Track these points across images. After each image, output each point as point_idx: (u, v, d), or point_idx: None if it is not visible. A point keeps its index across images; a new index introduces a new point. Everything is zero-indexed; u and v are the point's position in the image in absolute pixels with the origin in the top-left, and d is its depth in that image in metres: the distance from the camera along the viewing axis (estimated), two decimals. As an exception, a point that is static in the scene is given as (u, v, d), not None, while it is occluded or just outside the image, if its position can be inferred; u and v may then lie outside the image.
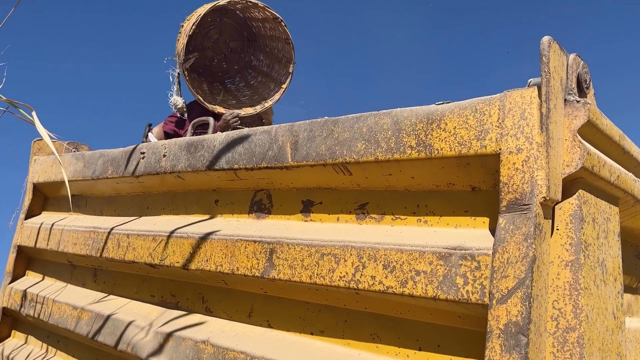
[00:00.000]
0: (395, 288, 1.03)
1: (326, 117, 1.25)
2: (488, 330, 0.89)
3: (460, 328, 0.99)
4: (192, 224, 1.52)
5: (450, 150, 1.02)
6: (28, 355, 2.07)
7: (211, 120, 2.41)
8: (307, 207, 1.32)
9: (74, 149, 2.43)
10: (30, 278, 2.31)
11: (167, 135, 2.79)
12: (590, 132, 1.01)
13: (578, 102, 0.98)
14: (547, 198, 0.90)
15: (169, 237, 1.53)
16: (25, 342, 2.23)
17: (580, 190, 0.97)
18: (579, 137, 0.97)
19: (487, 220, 1.02)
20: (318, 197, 1.30)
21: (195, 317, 1.51)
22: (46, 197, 2.38)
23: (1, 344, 2.28)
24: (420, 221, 1.12)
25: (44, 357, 2.03)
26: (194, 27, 2.59)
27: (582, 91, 1.02)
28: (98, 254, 1.79)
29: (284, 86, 2.96)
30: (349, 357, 1.14)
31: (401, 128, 1.09)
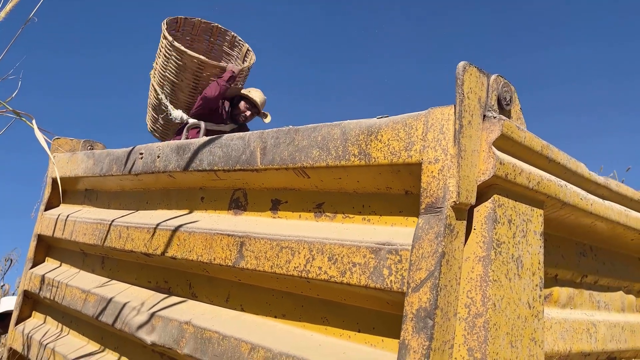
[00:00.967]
0: (337, 277, 1.19)
1: (290, 126, 1.41)
2: (404, 314, 1.04)
3: (389, 313, 1.15)
4: (180, 217, 1.71)
5: (384, 159, 1.17)
6: (45, 334, 2.31)
7: (202, 124, 2.62)
8: (275, 205, 1.49)
9: (89, 147, 2.65)
10: (49, 264, 2.55)
11: None
12: (507, 144, 1.14)
13: (495, 117, 1.12)
14: (458, 202, 1.05)
15: (160, 229, 1.72)
16: (44, 322, 2.47)
17: (495, 195, 1.11)
18: (494, 148, 1.11)
19: (416, 219, 1.16)
20: (284, 196, 1.47)
21: (182, 302, 1.70)
22: (64, 191, 2.61)
23: (23, 323, 2.53)
24: (365, 219, 1.27)
25: (58, 336, 2.26)
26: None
27: (502, 108, 1.16)
28: (103, 244, 2.00)
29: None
30: (304, 338, 1.30)
31: (347, 138, 1.25)
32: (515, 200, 1.16)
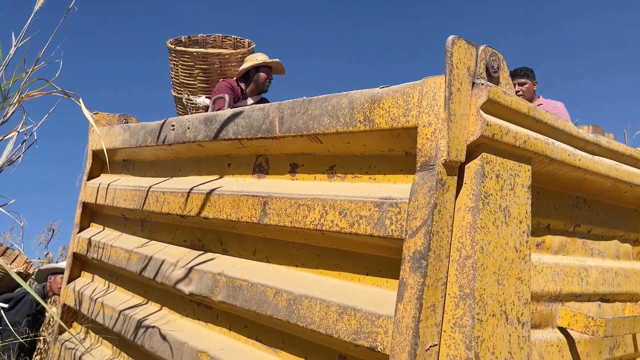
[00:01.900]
0: (347, 229, 1.37)
1: (304, 97, 1.57)
2: (402, 257, 1.22)
3: (391, 257, 1.32)
4: (210, 182, 1.90)
5: (386, 124, 1.33)
6: (94, 290, 2.58)
7: (226, 96, 2.80)
8: (293, 169, 1.67)
9: (124, 120, 2.86)
10: (94, 229, 2.81)
11: None
12: (494, 107, 1.28)
13: (482, 84, 1.26)
14: (448, 160, 1.21)
15: (193, 193, 1.93)
16: (92, 280, 2.74)
17: (483, 153, 1.26)
18: (482, 112, 1.25)
19: (414, 177, 1.33)
20: (301, 160, 1.64)
21: (215, 257, 1.91)
22: (103, 162, 2.84)
23: (73, 282, 2.81)
24: (371, 178, 1.44)
25: (106, 291, 2.52)
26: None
27: (490, 75, 1.30)
28: (142, 208, 2.22)
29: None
30: (320, 282, 1.50)
31: (354, 107, 1.41)
32: (503, 157, 1.31)
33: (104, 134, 2.69)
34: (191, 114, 3.90)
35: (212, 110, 2.68)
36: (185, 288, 1.90)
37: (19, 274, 4.42)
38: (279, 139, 1.64)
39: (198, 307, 1.95)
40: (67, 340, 2.69)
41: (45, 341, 6.41)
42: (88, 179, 2.81)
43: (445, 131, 1.20)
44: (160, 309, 2.15)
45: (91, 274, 2.76)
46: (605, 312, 1.76)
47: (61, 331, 2.79)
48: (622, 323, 1.57)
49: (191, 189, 1.95)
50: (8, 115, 1.56)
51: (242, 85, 3.93)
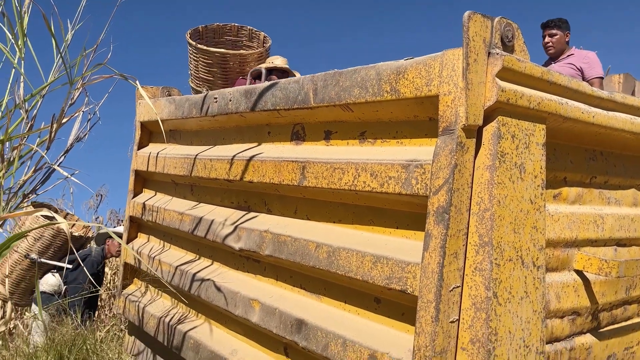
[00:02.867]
0: (377, 188, 1.54)
1: (335, 70, 1.72)
2: (427, 212, 1.39)
3: (418, 212, 1.49)
4: (252, 149, 2.10)
5: (410, 94, 1.47)
6: (151, 249, 2.85)
7: (263, 69, 2.95)
8: (327, 136, 1.84)
9: (166, 93, 3.06)
10: (146, 194, 3.06)
11: None
12: (509, 74, 1.41)
13: (497, 54, 1.39)
14: (467, 124, 1.35)
15: (237, 159, 2.13)
16: (148, 240, 3.02)
17: (499, 117, 1.40)
18: (497, 79, 1.38)
19: (436, 140, 1.48)
20: (334, 128, 1.81)
21: (260, 216, 2.12)
22: (150, 132, 3.07)
23: (131, 242, 3.09)
24: (398, 142, 1.60)
25: (162, 250, 2.79)
26: None
27: (505, 45, 1.42)
28: (191, 174, 2.44)
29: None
30: (356, 236, 1.69)
31: (381, 78, 1.55)
32: (518, 119, 1.45)
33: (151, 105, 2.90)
34: None
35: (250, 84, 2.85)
36: (235, 244, 2.12)
37: (79, 237, 4.82)
38: (314, 109, 1.80)
39: (247, 261, 2.18)
40: (130, 294, 3.00)
41: (108, 296, 6.92)
42: (138, 149, 3.04)
43: (464, 99, 1.34)
44: (212, 264, 2.40)
45: (147, 234, 3.03)
46: (622, 256, 1.90)
47: (124, 286, 3.09)
48: (635, 265, 1.71)
49: (235, 155, 2.14)
50: (75, 98, 1.77)
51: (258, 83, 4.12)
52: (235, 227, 2.14)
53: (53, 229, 4.43)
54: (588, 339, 1.75)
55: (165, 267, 2.63)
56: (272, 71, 4.06)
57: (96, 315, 5.22)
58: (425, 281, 1.36)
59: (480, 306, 1.35)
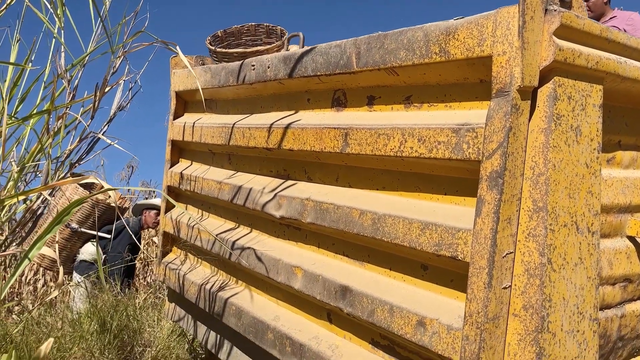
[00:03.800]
0: (425, 154, 1.51)
1: (379, 32, 1.67)
2: (480, 177, 1.35)
3: (468, 178, 1.46)
4: (292, 116, 2.07)
5: (461, 55, 1.42)
6: (189, 218, 2.88)
7: (301, 34, 2.88)
8: (370, 101, 1.80)
9: (200, 62, 3.04)
10: (183, 164, 3.08)
11: None
12: (567, 32, 1.34)
13: (555, 10, 1.32)
14: (522, 86, 1.30)
15: (277, 127, 2.11)
16: (186, 209, 3.05)
17: (556, 77, 1.34)
18: (555, 37, 1.32)
19: (489, 103, 1.43)
20: (378, 93, 1.77)
21: (301, 184, 2.11)
22: (185, 102, 3.07)
23: (169, 212, 3.13)
24: (447, 106, 1.56)
25: (200, 219, 2.82)
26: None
27: (563, 0, 1.35)
28: (229, 143, 2.44)
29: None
30: (401, 203, 1.66)
31: (429, 39, 1.50)
32: (575, 80, 1.39)
33: (186, 75, 2.89)
34: None
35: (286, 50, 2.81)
36: (276, 212, 2.12)
37: (121, 209, 4.92)
38: (357, 73, 1.76)
39: (288, 229, 2.18)
40: (170, 262, 3.05)
41: (143, 266, 7.09)
42: (174, 119, 3.05)
43: (519, 59, 1.29)
44: (252, 232, 2.42)
45: (184, 204, 3.07)
46: (676, 222, 1.84)
47: (164, 254, 3.15)
48: (691, 231, 1.65)
49: (274, 123, 2.12)
50: (116, 67, 1.77)
51: None
52: (276, 195, 2.14)
53: (92, 199, 4.53)
54: (639, 306, 1.71)
55: (204, 235, 2.66)
56: None
57: (130, 283, 5.36)
58: (478, 247, 1.33)
59: (533, 272, 1.33)
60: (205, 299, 2.58)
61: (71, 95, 1.79)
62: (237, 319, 2.31)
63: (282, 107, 2.22)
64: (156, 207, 4.96)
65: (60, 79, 1.86)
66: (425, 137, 1.51)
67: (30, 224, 1.72)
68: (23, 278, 6.64)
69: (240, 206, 2.39)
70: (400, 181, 1.69)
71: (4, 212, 1.64)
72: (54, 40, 1.94)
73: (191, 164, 3.00)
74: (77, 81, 1.88)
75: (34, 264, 6.15)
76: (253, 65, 2.25)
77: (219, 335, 2.66)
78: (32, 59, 1.84)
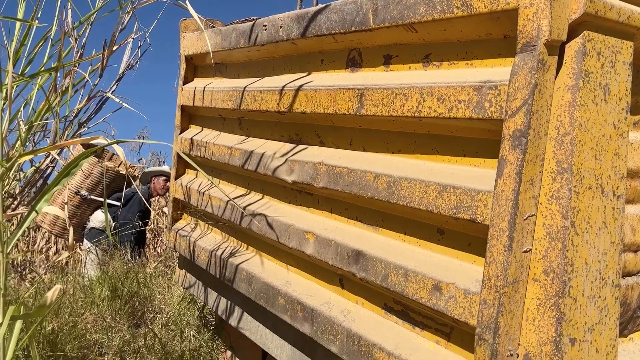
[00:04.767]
0: (445, 114, 1.45)
1: (397, -13, 1.60)
2: (502, 136, 1.30)
3: (489, 139, 1.40)
4: (304, 78, 2.01)
5: (485, 8, 1.35)
6: (200, 184, 2.85)
7: (315, -9, 2.80)
8: (387, 60, 1.73)
9: (210, 25, 2.97)
10: (193, 130, 3.04)
11: None
12: (599, -18, 1.27)
13: (587, -41, 1.24)
14: (550, 40, 1.23)
15: (289, 90, 2.05)
16: (196, 176, 3.02)
17: (585, 31, 1.27)
18: (586, -12, 1.24)
19: (513, 59, 1.37)
20: (395, 51, 1.70)
21: (313, 148, 2.07)
22: (195, 66, 3.01)
23: (180, 178, 3.11)
24: (468, 64, 1.49)
25: (211, 185, 2.79)
26: None
27: (596, -52, 1.26)
28: (240, 107, 2.38)
29: None
30: (417, 165, 1.61)
31: (450, -8, 1.43)
32: (605, 35, 1.31)
33: (195, 38, 2.83)
34: None
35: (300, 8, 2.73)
36: (288, 177, 2.08)
37: (122, 176, 4.92)
38: (373, 31, 1.69)
39: (299, 194, 2.15)
40: (181, 229, 3.04)
41: (153, 235, 7.14)
42: (184, 84, 3.00)
43: (548, 10, 1.22)
44: (263, 198, 2.38)
45: (195, 171, 3.03)
46: (701, 190, 1.77)
47: (174, 221, 3.14)
48: None
49: (287, 86, 2.07)
50: (125, 24, 1.71)
51: None
52: (287, 160, 2.10)
53: (101, 166, 4.53)
54: (661, 275, 1.67)
55: (215, 201, 2.63)
56: None
57: (141, 251, 5.39)
58: (498, 209, 1.29)
59: (556, 236, 1.28)
60: (216, 265, 2.57)
61: (79, 53, 1.74)
62: (248, 284, 2.30)
63: (295, 69, 2.16)
64: (165, 174, 4.95)
65: (67, 37, 1.81)
66: (445, 95, 1.45)
67: (39, 184, 1.70)
68: (35, 246, 6.72)
69: (251, 172, 2.35)
70: (417, 143, 1.64)
71: (12, 171, 1.61)
72: (60, -4, 1.89)
73: (201, 130, 2.96)
74: (84, 39, 1.83)
75: (45, 232, 6.19)
76: (265, 26, 2.19)
77: (229, 302, 2.66)
78: (39, 16, 1.79)
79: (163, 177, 4.94)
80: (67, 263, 6.00)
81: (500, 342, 1.27)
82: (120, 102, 1.76)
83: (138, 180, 5.18)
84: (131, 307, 3.62)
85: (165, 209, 7.11)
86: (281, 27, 2.09)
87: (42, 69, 1.78)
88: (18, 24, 1.84)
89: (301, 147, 2.11)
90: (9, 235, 1.18)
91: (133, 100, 1.78)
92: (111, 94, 1.76)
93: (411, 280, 1.51)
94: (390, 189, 1.61)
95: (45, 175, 1.66)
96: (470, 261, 1.45)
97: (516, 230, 1.27)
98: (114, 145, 1.44)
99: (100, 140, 1.53)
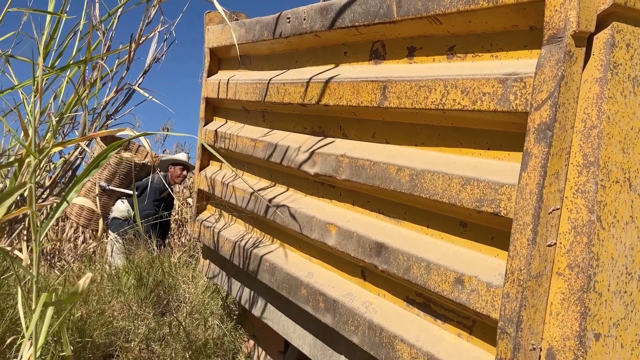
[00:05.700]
0: (469, 106, 1.44)
1: (422, -22, 1.58)
2: (527, 129, 1.28)
3: (514, 132, 1.39)
4: (329, 72, 2.02)
5: (511, -1, 1.33)
6: (224, 176, 2.89)
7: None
8: (411, 52, 1.73)
9: (234, 18, 2.99)
10: (217, 122, 3.07)
11: None
12: (629, -28, 1.24)
13: (617, -52, 1.21)
14: (577, 31, 1.21)
15: (312, 82, 2.06)
16: (220, 169, 3.06)
17: (614, 22, 1.25)
18: (615, -22, 1.22)
19: (539, 51, 1.35)
20: (418, 43, 1.69)
21: (336, 141, 2.07)
22: (219, 59, 3.04)
23: (204, 170, 3.15)
24: (493, 56, 1.48)
25: (235, 177, 2.82)
26: None
27: (626, -63, 1.23)
28: (264, 100, 2.40)
29: None
30: (441, 158, 1.61)
31: (476, -17, 1.41)
32: (635, 26, 1.28)
33: (219, 31, 2.85)
34: None
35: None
36: (310, 169, 2.10)
37: (142, 165, 5.02)
38: (397, 23, 1.68)
39: (322, 187, 2.16)
40: (205, 219, 3.08)
41: (177, 226, 7.24)
42: (208, 76, 3.03)
43: (576, 1, 1.20)
44: (286, 190, 2.40)
45: (219, 162, 3.07)
46: None
47: (198, 212, 3.19)
48: None
49: (310, 78, 2.07)
50: (151, 17, 1.74)
51: None
52: (310, 152, 2.11)
53: (116, 156, 4.62)
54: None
55: (239, 193, 2.66)
56: None
57: (166, 242, 5.49)
58: (522, 203, 1.28)
59: (581, 230, 1.26)
60: (240, 256, 2.60)
61: (106, 46, 1.78)
62: (270, 275, 2.32)
63: (318, 61, 2.16)
64: (181, 163, 5.02)
65: (95, 31, 1.84)
66: (469, 88, 1.44)
67: (68, 175, 1.74)
68: (64, 235, 6.89)
69: (274, 164, 2.37)
70: (440, 136, 1.63)
71: (43, 162, 1.66)
72: (88, -9, 1.93)
73: (225, 122, 2.99)
74: (111, 33, 1.86)
75: (72, 222, 6.34)
76: (288, 18, 2.19)
77: (252, 292, 2.69)
78: (67, 9, 1.83)
79: (179, 166, 5.01)
80: (94, 252, 6.14)
81: (523, 336, 1.26)
82: (147, 94, 1.79)
83: (158, 170, 5.27)
84: (156, 295, 3.70)
85: (190, 200, 7.21)
86: (305, 19, 2.09)
87: (71, 62, 1.82)
88: (48, 18, 1.89)
89: (324, 139, 2.12)
90: (39, 225, 1.22)
91: (159, 93, 1.81)
92: (138, 86, 1.79)
93: (433, 273, 1.52)
94: (413, 181, 1.61)
95: (74, 167, 1.71)
96: (493, 255, 1.45)
97: (540, 223, 1.26)
98: (141, 137, 1.47)
99: (127, 132, 1.56)
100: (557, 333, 1.28)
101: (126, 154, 4.79)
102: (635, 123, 1.32)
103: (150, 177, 5.00)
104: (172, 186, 5.54)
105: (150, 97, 1.80)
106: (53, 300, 1.14)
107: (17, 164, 1.46)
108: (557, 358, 1.27)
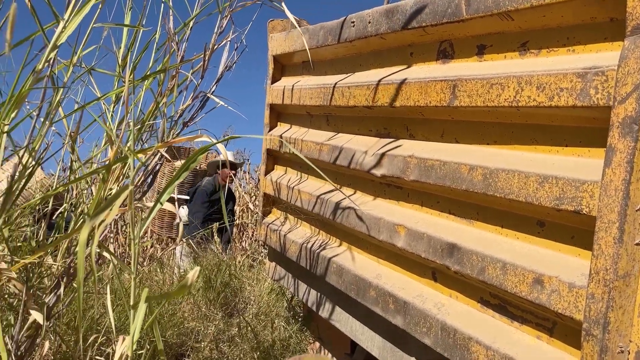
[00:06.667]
0: (545, 102, 1.41)
1: (492, -25, 1.57)
2: (610, 124, 1.24)
3: (593, 127, 1.35)
4: (395, 73, 2.02)
5: (589, -9, 1.30)
6: (289, 180, 2.94)
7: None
8: (480, 50, 1.70)
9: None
10: (281, 127, 3.14)
11: None
12: None
13: None
14: (664, 20, 1.16)
15: (378, 84, 2.07)
16: (285, 172, 3.12)
17: None
18: None
19: (622, 43, 1.30)
20: (489, 41, 1.67)
21: (403, 142, 2.07)
22: (283, 66, 3.10)
23: (269, 174, 3.22)
24: (569, 50, 1.44)
25: (300, 180, 2.86)
26: None
27: None
28: (329, 104, 2.43)
29: None
30: (515, 156, 1.58)
31: (551, -23, 1.38)
32: None
33: (283, 38, 2.91)
34: None
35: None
36: (377, 171, 2.10)
37: (203, 172, 5.20)
38: (466, 21, 1.67)
39: (388, 188, 2.16)
40: (271, 222, 3.15)
41: (239, 231, 7.41)
42: (272, 83, 3.10)
43: (662, -11, 1.15)
44: (354, 193, 2.42)
45: (283, 166, 3.13)
46: None
47: (264, 215, 3.26)
48: None
49: (376, 81, 2.09)
50: (223, 27, 1.81)
51: None
52: (376, 154, 2.12)
53: (171, 165, 4.82)
54: None
55: (305, 196, 2.70)
56: None
57: (229, 246, 5.63)
58: (607, 200, 1.23)
59: (672, 228, 1.21)
60: (306, 258, 2.64)
61: (180, 56, 1.86)
62: (338, 276, 2.34)
63: (383, 63, 2.17)
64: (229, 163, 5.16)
65: (169, 42, 1.93)
66: (545, 84, 1.41)
67: (149, 180, 1.84)
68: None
69: (340, 166, 2.39)
70: (514, 134, 1.60)
71: (126, 168, 1.76)
72: (162, 5, 2.02)
73: (290, 127, 3.04)
74: (185, 43, 1.95)
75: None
76: (353, 22, 2.22)
77: (319, 294, 2.72)
78: (143, 23, 1.93)
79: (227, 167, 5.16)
80: (161, 256, 6.39)
81: (611, 338, 1.22)
82: (221, 102, 1.86)
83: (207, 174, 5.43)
84: (224, 297, 3.80)
85: (251, 205, 7.36)
86: (370, 22, 2.11)
87: (148, 72, 1.91)
88: (125, 31, 2.00)
89: (390, 140, 2.12)
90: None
91: (231, 100, 1.88)
92: (211, 94, 1.87)
93: (510, 273, 1.49)
94: (486, 180, 1.59)
95: (155, 172, 1.80)
96: (574, 254, 1.40)
97: (627, 221, 1.21)
98: (218, 145, 1.53)
99: (205, 139, 1.63)
100: (647, 335, 1.22)
101: (178, 163, 4.98)
102: None
103: (202, 180, 5.20)
104: (222, 186, 5.67)
105: (224, 104, 1.86)
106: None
107: (104, 170, 1.55)
108: (648, 362, 1.22)
